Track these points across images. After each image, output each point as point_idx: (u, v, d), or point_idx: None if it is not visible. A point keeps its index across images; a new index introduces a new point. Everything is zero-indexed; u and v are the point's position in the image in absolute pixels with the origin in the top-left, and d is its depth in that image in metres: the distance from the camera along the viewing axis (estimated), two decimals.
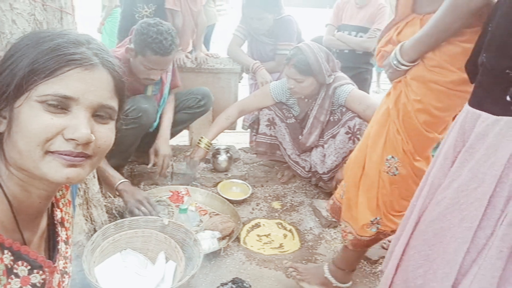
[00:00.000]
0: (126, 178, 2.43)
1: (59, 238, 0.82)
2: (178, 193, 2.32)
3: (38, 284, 0.73)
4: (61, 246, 0.82)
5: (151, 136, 2.38)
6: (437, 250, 1.23)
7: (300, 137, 2.45)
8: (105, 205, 2.11)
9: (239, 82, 3.09)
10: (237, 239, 2.10)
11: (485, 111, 1.12)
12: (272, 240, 2.17)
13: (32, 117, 0.64)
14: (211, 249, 1.92)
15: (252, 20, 2.80)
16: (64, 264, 0.82)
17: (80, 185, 1.66)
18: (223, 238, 2.04)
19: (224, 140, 3.46)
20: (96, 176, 1.76)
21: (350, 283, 1.77)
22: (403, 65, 1.47)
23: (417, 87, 1.43)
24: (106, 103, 0.70)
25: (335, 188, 2.38)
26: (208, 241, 1.96)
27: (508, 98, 1.05)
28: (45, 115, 0.64)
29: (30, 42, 0.67)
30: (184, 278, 1.54)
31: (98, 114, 0.70)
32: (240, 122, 3.30)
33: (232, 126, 3.21)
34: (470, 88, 1.27)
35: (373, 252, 2.02)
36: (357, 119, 2.24)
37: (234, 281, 1.74)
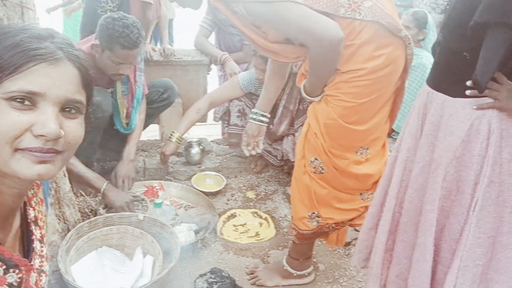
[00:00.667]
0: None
1: (34, 237, 0.81)
2: (153, 188, 2.31)
3: (14, 284, 0.72)
4: (36, 244, 0.82)
5: (122, 135, 2.34)
6: (413, 238, 1.26)
7: (270, 126, 2.48)
8: (77, 203, 2.08)
9: (208, 74, 3.08)
10: (214, 230, 2.12)
11: (442, 92, 1.17)
12: (248, 229, 2.21)
13: None
14: (188, 241, 1.93)
15: (218, 11, 2.78)
16: (40, 262, 0.82)
17: (51, 184, 1.62)
18: (199, 230, 2.05)
19: (195, 133, 3.44)
20: (66, 175, 1.73)
21: (310, 268, 1.82)
22: (313, 98, 1.53)
23: (329, 88, 1.47)
24: (73, 97, 0.69)
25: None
26: (185, 234, 1.97)
27: (468, 83, 1.09)
28: (11, 112, 0.63)
29: None
30: (163, 272, 1.55)
31: (66, 109, 0.69)
32: (211, 114, 3.31)
33: (203, 119, 3.21)
34: (382, 73, 1.35)
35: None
36: None
37: (212, 271, 1.77)
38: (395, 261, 1.30)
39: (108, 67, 2.05)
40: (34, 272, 0.78)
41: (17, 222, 0.79)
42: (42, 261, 0.83)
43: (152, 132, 3.13)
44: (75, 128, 0.71)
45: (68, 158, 0.73)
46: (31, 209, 0.83)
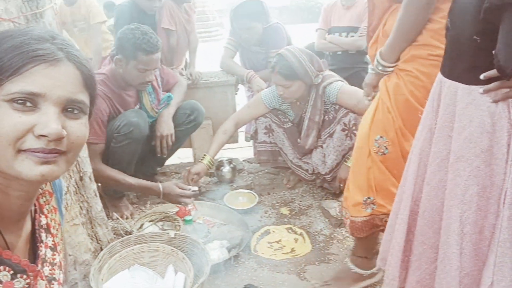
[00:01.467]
0: (132, 199, 2.46)
1: (42, 244, 0.81)
2: (185, 208, 2.30)
3: None
4: (46, 251, 0.81)
5: (149, 153, 2.39)
6: (435, 240, 1.16)
7: (298, 140, 2.44)
8: (112, 226, 2.11)
9: (236, 94, 3.11)
10: (247, 247, 2.07)
11: (455, 80, 1.09)
12: (283, 246, 2.13)
13: (0, 117, 0.63)
14: (220, 258, 1.89)
15: (241, 31, 2.83)
16: (50, 270, 0.81)
17: (83, 204, 1.66)
18: (233, 247, 2.01)
19: (228, 155, 3.45)
20: (98, 195, 1.76)
21: (377, 267, 1.70)
22: (388, 67, 1.49)
23: (405, 64, 1.43)
24: (75, 98, 0.69)
25: (340, 187, 2.36)
26: (217, 251, 1.94)
27: (489, 73, 1.01)
28: (13, 113, 0.64)
29: None
30: (193, 287, 1.51)
31: (69, 109, 0.69)
32: (242, 135, 3.31)
33: (234, 139, 3.22)
34: None
35: None
36: (351, 114, 2.23)
37: None
38: (414, 266, 1.20)
39: (135, 77, 2.15)
40: (43, 280, 0.77)
41: (28, 227, 0.79)
42: (54, 269, 0.82)
43: (185, 154, 3.17)
44: (78, 128, 0.70)
45: (73, 159, 0.73)
46: (43, 216, 0.83)
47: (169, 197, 2.13)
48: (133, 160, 2.23)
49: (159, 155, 2.37)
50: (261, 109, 2.49)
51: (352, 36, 3.10)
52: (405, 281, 1.25)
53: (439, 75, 1.16)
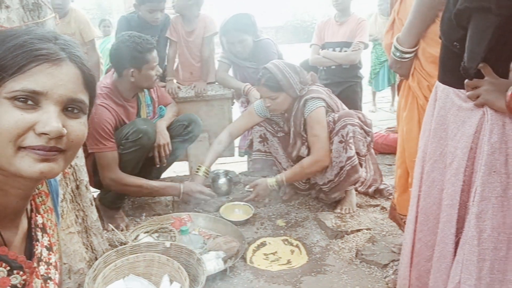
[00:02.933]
0: (127, 211, 2.45)
1: (38, 243, 0.81)
2: (181, 220, 2.30)
3: (19, 286, 0.71)
4: (41, 251, 0.81)
5: (145, 167, 2.40)
6: (430, 237, 1.19)
7: (289, 149, 2.46)
8: (107, 238, 2.09)
9: (231, 107, 3.14)
10: (243, 259, 2.06)
11: (447, 84, 1.13)
12: (280, 257, 2.12)
13: (2, 114, 0.64)
14: (216, 269, 1.88)
15: (233, 45, 2.87)
16: (46, 269, 0.81)
17: (78, 212, 1.65)
18: (228, 258, 1.99)
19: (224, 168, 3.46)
20: (94, 204, 1.76)
21: None
22: (405, 53, 1.51)
23: (427, 62, 1.45)
24: (75, 97, 0.70)
25: (338, 200, 2.37)
26: (213, 262, 1.92)
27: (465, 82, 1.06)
28: (15, 111, 0.65)
29: None
30: None
31: (69, 108, 0.70)
32: (237, 150, 3.33)
33: (230, 153, 3.24)
34: None
35: (383, 256, 1.97)
36: (349, 127, 2.25)
37: None
38: (414, 262, 1.23)
39: (150, 78, 2.26)
40: (38, 279, 0.77)
41: (24, 226, 0.80)
42: (49, 269, 0.82)
43: (180, 168, 3.17)
44: (78, 127, 0.71)
45: (71, 158, 0.74)
46: (39, 216, 0.84)
47: (188, 195, 2.32)
48: (138, 167, 2.26)
49: (158, 165, 2.37)
50: (254, 119, 2.53)
51: (345, 51, 3.17)
52: (410, 276, 1.27)
53: (436, 82, 1.20)
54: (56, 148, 0.68)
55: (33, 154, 0.66)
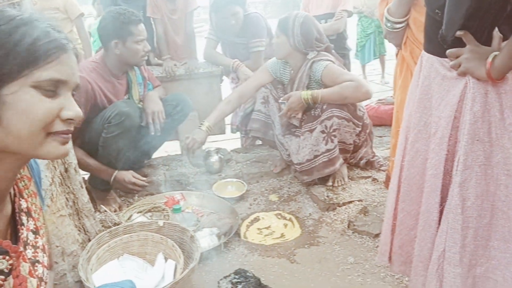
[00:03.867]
0: (120, 192, 2.44)
1: (23, 227, 0.81)
2: (174, 198, 2.30)
3: (5, 270, 0.71)
4: (27, 234, 0.81)
5: (137, 146, 2.39)
6: (414, 207, 1.20)
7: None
8: (100, 219, 2.10)
9: (220, 84, 3.10)
10: (237, 234, 2.08)
11: (431, 53, 1.12)
12: (273, 231, 2.15)
13: (34, 103, 0.67)
14: (211, 245, 1.90)
15: (226, 20, 2.80)
16: (33, 253, 0.81)
17: (69, 195, 1.64)
18: (222, 234, 2.01)
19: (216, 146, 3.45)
20: (84, 186, 1.75)
21: None
22: (396, 23, 1.50)
23: (419, 30, 1.45)
24: (79, 82, 0.76)
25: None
26: (207, 239, 1.94)
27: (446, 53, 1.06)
28: (45, 100, 0.68)
29: (9, 26, 0.66)
30: (184, 273, 1.51)
31: (73, 93, 0.75)
32: (228, 127, 3.31)
33: (221, 130, 3.22)
34: None
35: (374, 226, 1.99)
36: (335, 119, 2.23)
37: (236, 272, 1.72)
38: (397, 231, 1.25)
39: (136, 52, 2.22)
40: (26, 262, 0.77)
41: (7, 210, 0.79)
42: (37, 252, 0.82)
43: (172, 147, 3.15)
44: (79, 110, 0.76)
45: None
46: (23, 200, 0.83)
47: (119, 184, 2.28)
48: (124, 150, 2.23)
49: (152, 133, 2.35)
50: (265, 77, 2.52)
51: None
52: (392, 244, 1.29)
53: (422, 51, 1.19)
54: (70, 131, 0.74)
55: (60, 138, 0.71)
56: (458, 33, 1.02)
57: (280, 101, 2.43)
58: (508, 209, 1.05)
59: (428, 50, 1.14)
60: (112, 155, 2.18)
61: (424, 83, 1.15)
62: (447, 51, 1.05)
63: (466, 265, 1.07)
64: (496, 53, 1.00)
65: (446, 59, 1.08)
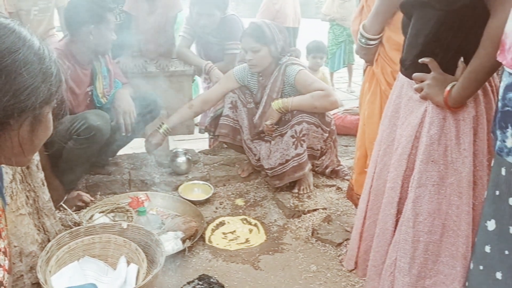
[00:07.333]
0: (81, 189, 2.36)
1: None
2: (138, 199, 2.26)
3: None
4: None
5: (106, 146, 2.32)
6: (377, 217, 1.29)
7: (254, 119, 2.46)
8: (60, 218, 2.02)
9: (191, 83, 3.06)
10: (202, 238, 2.07)
11: (403, 74, 1.19)
12: (238, 236, 2.15)
13: (51, 122, 0.78)
14: (175, 249, 1.88)
15: (200, 17, 2.77)
16: None
17: (29, 193, 1.57)
18: (187, 238, 1.99)
19: (183, 147, 3.41)
20: (45, 184, 1.68)
21: None
22: (370, 39, 1.54)
23: (391, 48, 1.49)
24: None
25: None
26: (171, 242, 1.91)
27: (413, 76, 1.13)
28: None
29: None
30: (147, 278, 1.49)
31: None
32: (196, 128, 3.28)
33: (190, 131, 3.19)
34: None
35: (337, 235, 2.05)
36: (305, 124, 2.26)
37: (200, 278, 1.71)
38: (364, 237, 1.32)
39: (107, 40, 2.19)
40: None
41: None
42: None
43: (138, 144, 3.09)
44: None
45: None
46: None
47: (68, 202, 2.16)
48: (89, 160, 2.19)
49: (123, 134, 2.29)
50: (230, 84, 2.51)
51: None
52: (359, 250, 1.35)
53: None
54: None
55: None
56: (425, 59, 1.08)
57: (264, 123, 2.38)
58: (458, 228, 1.12)
59: (401, 71, 1.19)
60: (76, 163, 2.12)
61: (396, 101, 1.21)
62: (413, 74, 1.11)
63: (414, 275, 1.15)
64: (455, 82, 1.07)
65: (408, 79, 1.14)
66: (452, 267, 1.14)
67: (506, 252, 0.92)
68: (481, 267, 0.99)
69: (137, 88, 2.55)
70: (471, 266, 1.05)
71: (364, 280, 1.65)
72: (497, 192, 0.93)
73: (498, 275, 0.94)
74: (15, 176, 1.47)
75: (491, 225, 0.95)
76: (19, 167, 1.52)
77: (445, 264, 1.15)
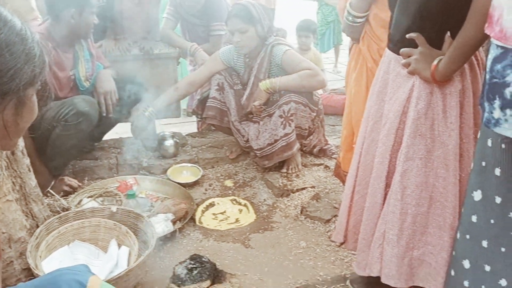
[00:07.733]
0: (68, 175, 2.34)
1: None
2: (126, 183, 2.25)
3: None
4: None
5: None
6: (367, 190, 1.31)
7: (241, 100, 2.45)
8: (48, 204, 2.00)
9: (177, 66, 3.02)
10: (193, 220, 2.08)
11: (390, 50, 1.19)
12: (228, 217, 2.17)
13: (35, 104, 0.75)
14: (165, 231, 1.88)
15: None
16: None
17: (16, 179, 1.55)
18: (177, 220, 2.00)
19: (171, 130, 3.39)
20: (31, 170, 1.66)
21: None
22: (357, 17, 1.54)
23: (377, 26, 1.49)
24: None
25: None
26: (162, 224, 1.92)
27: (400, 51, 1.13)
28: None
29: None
30: (139, 260, 1.49)
31: None
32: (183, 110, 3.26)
33: (177, 114, 3.16)
34: None
35: (326, 212, 2.08)
36: (292, 104, 2.26)
37: (192, 258, 1.72)
38: (352, 212, 1.35)
39: (89, 24, 2.17)
40: None
41: None
42: None
43: (123, 129, 3.05)
44: None
45: None
46: None
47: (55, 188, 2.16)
48: (76, 146, 2.17)
49: (104, 114, 2.26)
50: (217, 66, 2.49)
51: None
52: (348, 224, 1.38)
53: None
54: None
55: None
56: (412, 35, 1.08)
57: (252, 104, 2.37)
58: (445, 200, 1.15)
59: (389, 47, 1.20)
60: (63, 150, 2.09)
61: (383, 77, 1.21)
62: (400, 50, 1.12)
63: (403, 246, 1.18)
64: (442, 57, 1.08)
65: (396, 54, 1.15)
66: (439, 238, 1.17)
67: (492, 221, 0.95)
68: (467, 236, 1.02)
69: (120, 71, 2.51)
70: (458, 235, 1.08)
71: (353, 253, 1.69)
72: (483, 163, 0.95)
73: (484, 243, 0.98)
74: (1, 162, 1.44)
75: (477, 195, 0.98)
76: (4, 153, 1.49)
77: (432, 235, 1.18)
